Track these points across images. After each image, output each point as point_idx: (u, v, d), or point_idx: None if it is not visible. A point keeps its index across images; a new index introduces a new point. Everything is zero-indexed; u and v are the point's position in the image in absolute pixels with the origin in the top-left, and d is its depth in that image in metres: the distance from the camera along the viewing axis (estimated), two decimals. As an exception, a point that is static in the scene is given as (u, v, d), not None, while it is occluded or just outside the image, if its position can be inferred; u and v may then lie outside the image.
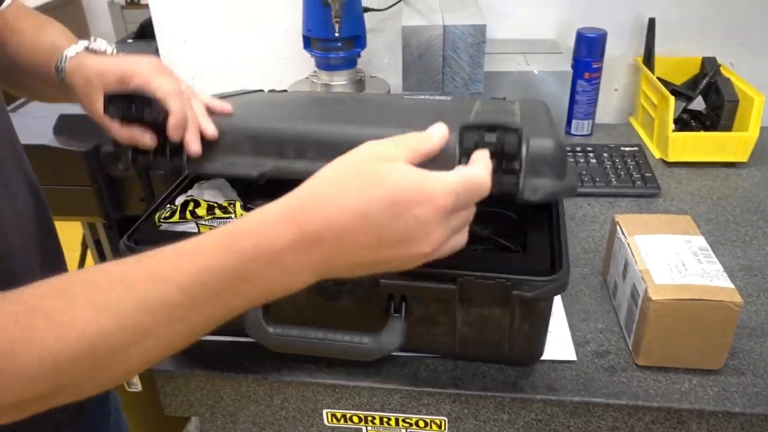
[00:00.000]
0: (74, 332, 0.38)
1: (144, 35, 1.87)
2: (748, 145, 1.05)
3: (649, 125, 1.16)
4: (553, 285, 0.58)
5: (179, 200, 0.68)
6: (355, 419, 0.69)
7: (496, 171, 0.52)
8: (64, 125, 1.19)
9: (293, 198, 0.44)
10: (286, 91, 0.95)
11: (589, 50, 1.14)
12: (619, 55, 1.22)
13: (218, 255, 0.42)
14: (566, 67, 1.12)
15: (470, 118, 0.63)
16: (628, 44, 1.22)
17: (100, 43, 0.67)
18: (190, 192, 0.70)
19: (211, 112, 0.64)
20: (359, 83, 1.11)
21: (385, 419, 0.68)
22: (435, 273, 0.59)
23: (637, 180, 1.01)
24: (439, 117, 0.52)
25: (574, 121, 1.20)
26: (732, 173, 1.05)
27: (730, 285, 0.63)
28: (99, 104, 0.60)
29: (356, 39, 1.07)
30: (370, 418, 0.68)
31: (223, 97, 0.73)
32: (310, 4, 1.03)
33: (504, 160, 0.53)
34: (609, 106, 1.28)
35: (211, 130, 0.61)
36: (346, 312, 0.64)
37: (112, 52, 0.67)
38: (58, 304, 0.39)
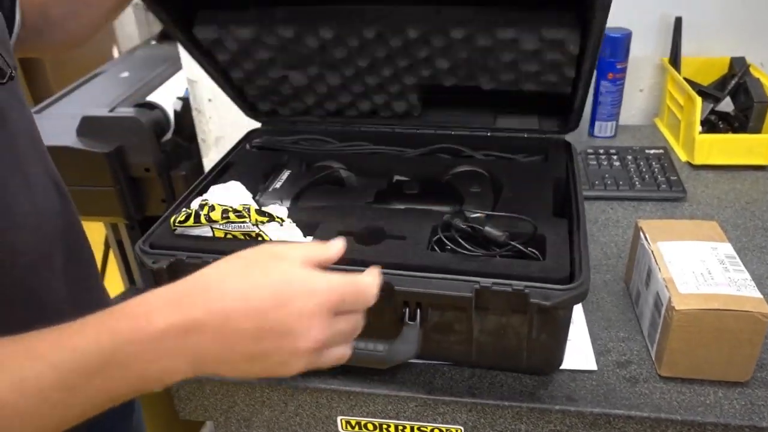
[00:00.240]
0: None
1: (168, 36, 1.88)
2: (779, 147, 1.02)
3: (675, 127, 1.13)
4: (572, 293, 0.56)
5: (194, 204, 0.68)
6: (370, 426, 0.68)
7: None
8: (87, 127, 1.21)
9: (181, 283, 0.44)
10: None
11: (613, 50, 1.11)
12: (645, 55, 1.20)
13: (94, 334, 0.41)
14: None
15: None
16: (655, 44, 1.19)
17: None
18: (205, 196, 0.70)
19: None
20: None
21: (400, 427, 0.67)
22: (451, 280, 0.58)
23: (662, 183, 0.98)
24: None
25: (597, 123, 1.17)
26: (761, 176, 1.02)
27: (758, 295, 0.61)
28: None
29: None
30: (385, 426, 0.68)
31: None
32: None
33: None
34: (634, 107, 1.25)
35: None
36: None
37: None
38: None
